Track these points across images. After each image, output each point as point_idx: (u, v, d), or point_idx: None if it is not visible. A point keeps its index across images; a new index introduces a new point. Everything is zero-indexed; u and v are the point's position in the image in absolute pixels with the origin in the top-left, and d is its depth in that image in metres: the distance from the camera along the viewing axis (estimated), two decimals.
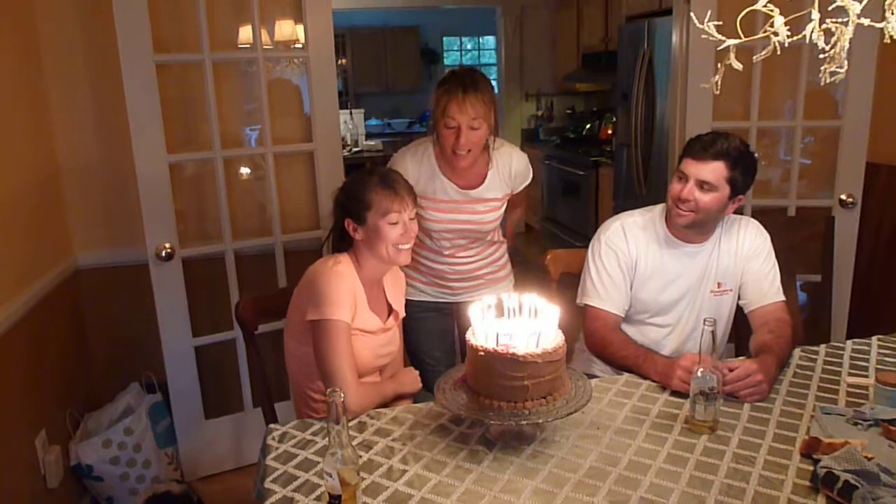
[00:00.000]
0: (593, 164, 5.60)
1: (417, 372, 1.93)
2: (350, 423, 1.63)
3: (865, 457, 1.33)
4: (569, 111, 7.13)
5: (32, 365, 2.31)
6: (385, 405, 1.78)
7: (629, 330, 2.02)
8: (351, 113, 7.20)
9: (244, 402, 2.89)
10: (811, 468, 1.36)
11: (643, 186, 4.50)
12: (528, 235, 6.95)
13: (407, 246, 1.81)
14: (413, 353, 2.37)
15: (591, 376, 1.99)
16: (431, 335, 2.37)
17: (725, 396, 1.62)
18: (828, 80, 1.16)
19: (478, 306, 1.52)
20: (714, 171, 1.83)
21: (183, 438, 2.79)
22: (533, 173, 2.37)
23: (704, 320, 1.53)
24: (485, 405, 1.45)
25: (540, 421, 1.42)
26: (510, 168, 2.26)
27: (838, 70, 1.14)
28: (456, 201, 2.21)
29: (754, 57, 1.25)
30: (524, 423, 1.42)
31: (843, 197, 2.94)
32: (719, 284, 1.99)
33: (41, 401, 2.37)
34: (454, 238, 2.26)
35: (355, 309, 1.76)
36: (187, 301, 2.67)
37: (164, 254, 2.56)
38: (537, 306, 1.54)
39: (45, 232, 2.52)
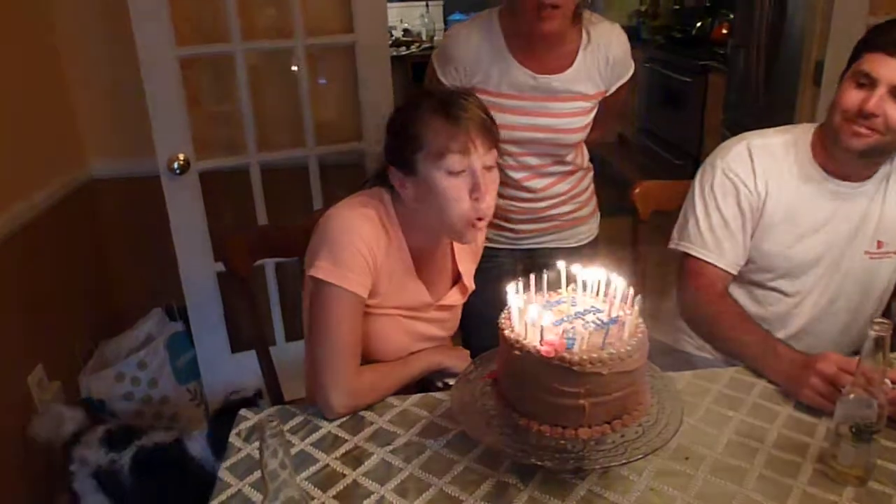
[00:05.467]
0: (702, 68, 4.81)
1: (468, 352, 1.44)
2: (343, 420, 1.21)
3: None
4: (677, 6, 6.20)
5: (29, 286, 2.01)
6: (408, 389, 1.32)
7: (738, 294, 1.49)
8: (427, 5, 6.52)
9: (276, 336, 2.55)
10: None
11: (762, 97, 3.77)
12: (619, 148, 6.18)
13: (482, 221, 1.22)
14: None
15: (681, 355, 1.49)
16: (484, 296, 1.83)
17: (888, 423, 1.09)
18: None
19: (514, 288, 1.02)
20: None
21: (207, 373, 2.49)
22: (635, 79, 1.77)
23: (874, 322, 0.98)
24: (518, 426, 0.99)
25: (597, 467, 0.95)
26: (607, 52, 1.65)
27: None
28: (530, 96, 1.62)
29: None
30: (572, 465, 0.95)
31: None
32: (879, 243, 1.42)
33: (38, 330, 2.08)
34: (523, 155, 1.69)
35: (377, 276, 1.26)
36: (207, 222, 2.29)
37: (176, 166, 2.16)
38: (611, 282, 1.04)
39: (44, 133, 2.17)
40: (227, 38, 2.16)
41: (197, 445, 1.77)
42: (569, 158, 1.74)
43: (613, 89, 1.71)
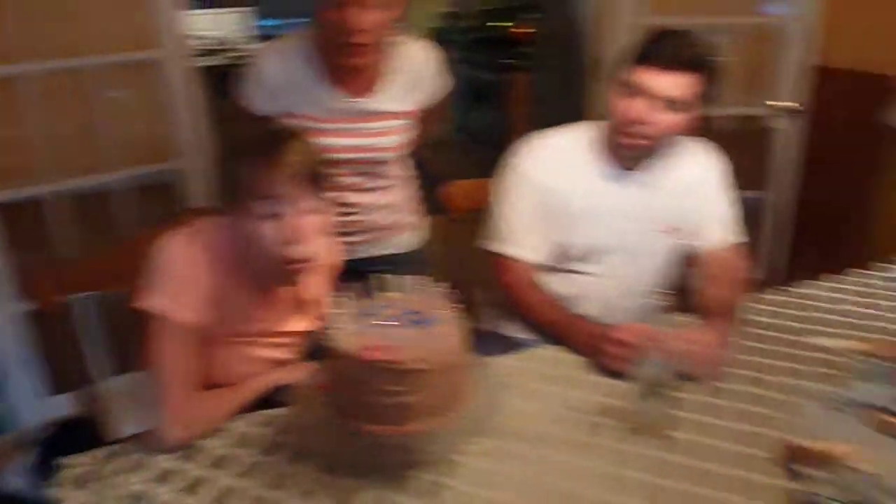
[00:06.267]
0: (508, 66, 5.10)
1: (308, 366, 1.40)
2: (180, 452, 1.18)
3: (860, 470, 0.99)
4: (484, 7, 6.50)
5: None
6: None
7: (549, 279, 1.62)
8: (238, 11, 6.36)
9: (104, 371, 2.39)
10: (794, 485, 1.03)
11: (564, 92, 4.06)
12: (439, 149, 6.36)
13: (301, 264, 1.21)
14: None
15: (507, 340, 1.60)
16: None
17: (676, 379, 1.25)
18: None
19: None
20: (686, 85, 1.39)
21: (24, 420, 2.29)
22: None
23: (655, 293, 1.13)
24: (352, 431, 1.03)
25: (433, 458, 1.01)
26: (419, 70, 1.70)
27: None
28: (343, 118, 1.64)
29: None
30: (408, 460, 1.01)
31: (782, 104, 2.59)
32: (666, 224, 1.59)
33: None
34: (342, 175, 1.70)
35: (212, 303, 1.22)
36: (8, 258, 2.11)
37: None
38: (429, 283, 1.11)
39: None
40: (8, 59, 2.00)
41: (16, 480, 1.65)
42: (388, 173, 1.78)
43: (429, 104, 1.78)
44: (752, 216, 2.66)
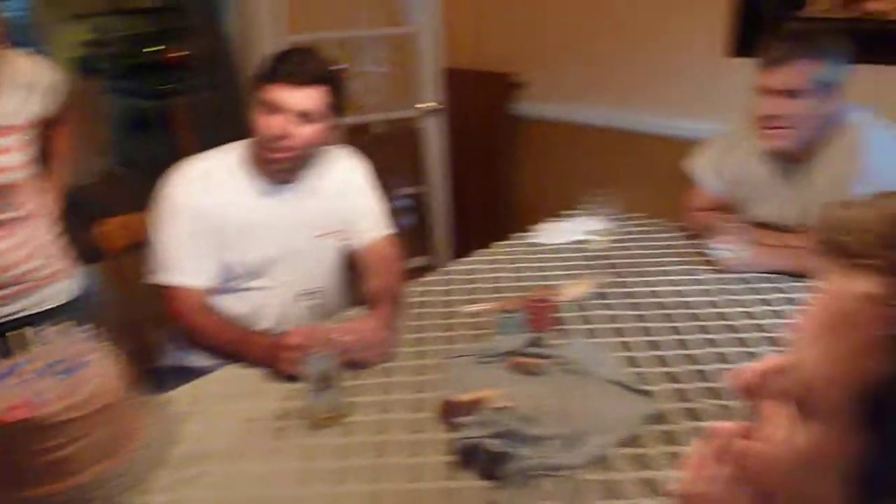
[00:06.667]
0: (167, 92, 4.89)
1: None
2: None
3: (503, 408, 1.18)
4: (130, 32, 6.11)
5: None
6: None
7: (227, 301, 1.63)
8: None
9: None
10: (452, 435, 1.18)
11: (232, 113, 4.03)
12: (104, 185, 5.85)
13: None
14: None
15: (185, 371, 1.57)
16: None
17: (349, 368, 1.36)
18: None
19: None
20: (316, 97, 1.49)
21: None
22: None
23: (304, 293, 1.21)
24: (24, 498, 0.95)
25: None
26: (28, 80, 1.59)
27: None
28: None
29: None
30: None
31: (426, 105, 2.89)
32: (324, 228, 1.69)
33: None
34: None
35: None
36: None
37: None
38: (69, 335, 1.05)
39: None
40: None
41: None
42: (16, 202, 1.58)
43: (51, 116, 1.67)
44: (416, 209, 2.94)
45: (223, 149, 1.66)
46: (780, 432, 0.39)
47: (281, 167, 1.57)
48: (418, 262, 2.81)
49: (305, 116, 1.50)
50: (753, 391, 0.44)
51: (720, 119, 1.99)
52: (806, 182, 1.72)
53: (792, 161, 1.74)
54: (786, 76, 1.59)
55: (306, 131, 1.52)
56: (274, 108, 1.49)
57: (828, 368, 0.36)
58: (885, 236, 0.35)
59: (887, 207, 0.37)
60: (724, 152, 1.87)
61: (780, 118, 1.62)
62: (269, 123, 1.50)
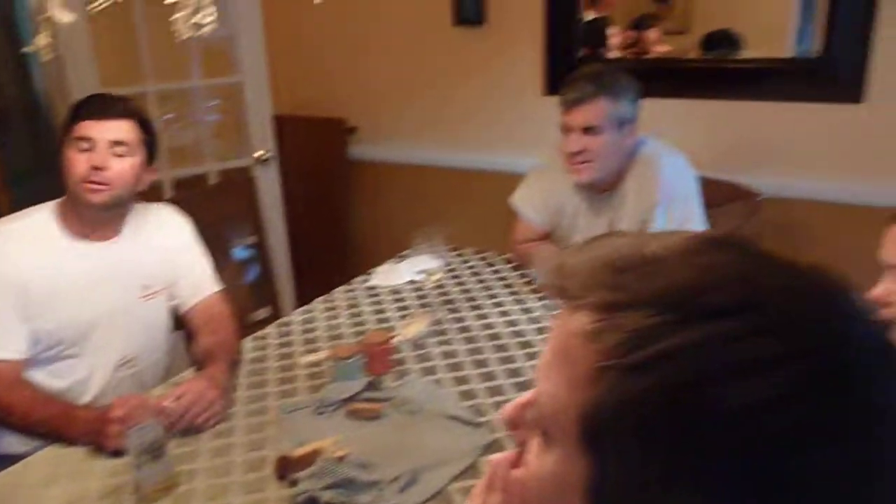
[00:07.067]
0: None
1: None
2: None
3: (339, 457, 1.19)
4: None
5: None
6: None
7: (38, 376, 1.50)
8: None
9: None
10: (293, 491, 1.16)
11: (48, 168, 3.76)
12: None
13: None
14: None
15: (1, 460, 1.44)
16: None
17: (181, 434, 1.30)
18: (197, 33, 0.88)
19: None
20: (125, 129, 1.51)
21: None
22: None
23: (125, 361, 1.16)
24: None
25: None
26: None
27: (207, 21, 0.87)
28: None
29: (89, 8, 0.89)
30: None
31: (259, 154, 2.87)
32: (147, 288, 1.62)
33: None
34: None
35: None
36: None
37: None
38: None
39: None
40: None
41: None
42: None
43: None
44: (259, 259, 2.88)
45: (33, 209, 1.56)
46: (532, 459, 0.44)
47: (97, 205, 1.49)
48: (262, 313, 2.74)
49: (118, 147, 1.49)
50: (515, 422, 0.48)
51: (539, 153, 2.13)
52: (614, 209, 1.89)
53: (599, 191, 1.89)
54: (585, 114, 1.74)
55: (120, 165, 1.49)
56: (85, 142, 1.47)
57: (554, 399, 0.41)
58: (594, 278, 0.41)
59: (597, 252, 0.43)
60: (542, 185, 2.01)
61: (583, 153, 1.77)
62: (81, 158, 1.47)
